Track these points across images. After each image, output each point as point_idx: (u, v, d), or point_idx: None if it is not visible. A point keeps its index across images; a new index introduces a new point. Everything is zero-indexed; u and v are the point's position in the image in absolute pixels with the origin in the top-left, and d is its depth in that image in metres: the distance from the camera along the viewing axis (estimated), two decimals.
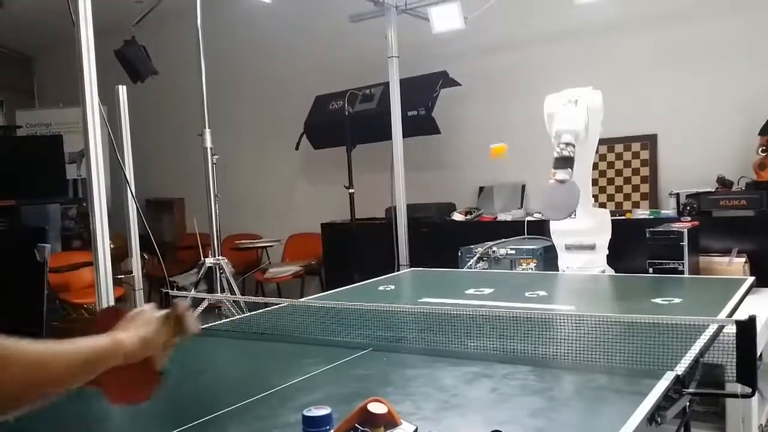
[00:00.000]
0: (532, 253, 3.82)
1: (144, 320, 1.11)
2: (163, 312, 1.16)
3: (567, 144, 3.05)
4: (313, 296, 3.04)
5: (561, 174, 2.99)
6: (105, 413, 1.56)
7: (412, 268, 4.23)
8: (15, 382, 0.84)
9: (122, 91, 3.57)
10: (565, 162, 3.01)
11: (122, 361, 1.03)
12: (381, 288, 2.93)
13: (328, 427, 1.06)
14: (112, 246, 2.75)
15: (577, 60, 4.85)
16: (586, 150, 3.36)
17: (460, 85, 5.22)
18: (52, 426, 1.39)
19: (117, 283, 3.20)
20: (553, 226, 3.55)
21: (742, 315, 1.51)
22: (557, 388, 1.49)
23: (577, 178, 3.11)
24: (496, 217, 4.87)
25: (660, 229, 3.49)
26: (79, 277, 5.57)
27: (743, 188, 4.09)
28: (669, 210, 4.25)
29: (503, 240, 4.11)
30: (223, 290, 4.06)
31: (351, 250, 4.99)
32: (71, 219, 7.13)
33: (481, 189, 5.34)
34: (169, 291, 2.25)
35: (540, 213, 3.20)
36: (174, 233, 7.28)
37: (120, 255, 3.56)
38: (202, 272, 4.08)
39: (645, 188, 4.69)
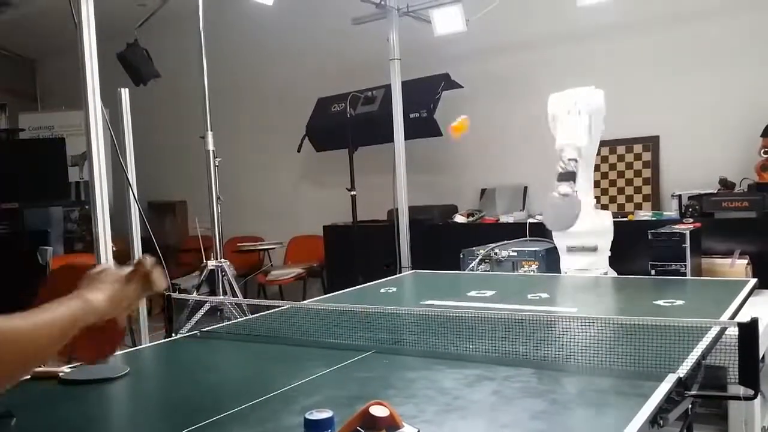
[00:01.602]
0: (534, 255, 3.82)
1: (110, 279, 1.09)
2: (129, 269, 1.13)
3: (570, 159, 3.17)
4: (315, 299, 3.04)
5: (564, 188, 3.13)
6: (105, 414, 1.56)
7: (414, 271, 4.23)
8: (10, 360, 0.84)
9: (125, 93, 3.57)
10: (568, 176, 3.14)
11: (93, 321, 1.01)
12: (383, 290, 2.93)
13: (330, 430, 1.07)
14: (114, 248, 2.76)
15: (579, 62, 4.85)
16: (588, 151, 3.40)
17: (462, 87, 5.22)
18: (52, 427, 1.39)
19: None
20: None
21: (744, 317, 1.51)
22: (559, 390, 1.49)
23: (578, 179, 3.22)
24: (498, 219, 4.87)
25: (662, 231, 3.49)
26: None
27: (745, 190, 4.09)
28: (671, 212, 4.25)
29: (505, 242, 4.10)
30: (225, 293, 4.06)
31: (353, 252, 4.99)
32: (74, 222, 7.14)
33: (483, 191, 5.34)
34: (171, 294, 2.25)
35: (542, 220, 3.32)
36: (176, 236, 7.29)
37: (122, 257, 3.56)
38: (204, 275, 4.08)
39: (647, 190, 4.69)
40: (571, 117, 3.26)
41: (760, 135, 4.06)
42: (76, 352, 1.11)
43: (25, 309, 0.96)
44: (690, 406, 1.54)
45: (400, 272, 4.55)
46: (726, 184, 4.13)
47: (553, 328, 1.98)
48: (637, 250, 3.55)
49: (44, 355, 0.94)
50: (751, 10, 4.31)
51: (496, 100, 5.28)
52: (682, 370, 1.46)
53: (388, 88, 5.05)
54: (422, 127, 5.12)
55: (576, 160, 3.19)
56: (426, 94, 5.15)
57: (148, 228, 3.62)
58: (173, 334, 2.20)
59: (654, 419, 1.28)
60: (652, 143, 4.68)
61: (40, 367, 0.96)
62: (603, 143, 3.77)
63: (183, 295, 2.84)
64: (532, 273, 3.76)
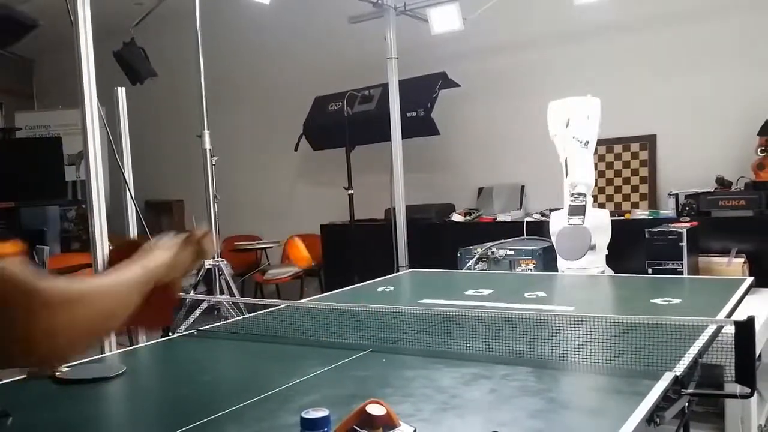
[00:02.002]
0: (532, 254, 3.82)
1: (165, 246, 1.16)
2: (183, 237, 1.20)
3: (580, 194, 3.44)
4: (312, 297, 3.03)
5: (575, 220, 3.39)
6: (102, 413, 1.56)
7: (411, 269, 4.23)
8: (87, 321, 0.87)
9: (121, 92, 3.57)
10: (578, 210, 3.40)
11: (152, 286, 1.06)
12: (380, 289, 2.93)
13: (326, 429, 1.06)
14: (110, 248, 2.75)
15: (576, 61, 4.86)
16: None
17: (460, 86, 5.22)
18: (48, 426, 1.39)
19: None
20: (553, 227, 3.56)
21: (741, 315, 1.51)
22: (556, 389, 1.49)
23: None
24: (496, 218, 4.87)
25: (659, 230, 3.50)
26: None
27: (742, 188, 4.10)
28: (668, 210, 4.26)
29: (502, 241, 4.11)
30: (222, 292, 4.06)
31: (350, 251, 4.99)
32: (70, 221, 7.13)
33: (481, 190, 5.35)
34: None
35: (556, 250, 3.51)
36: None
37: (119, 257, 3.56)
38: (201, 274, 4.08)
39: (644, 189, 4.69)
40: (580, 154, 3.50)
41: (756, 134, 4.07)
42: (136, 320, 1.12)
43: None
44: (687, 404, 1.54)
45: (398, 271, 4.55)
46: (723, 183, 4.14)
47: (550, 327, 1.98)
48: (634, 248, 3.56)
49: (118, 318, 0.95)
50: (749, 10, 4.31)
51: (493, 98, 5.28)
52: (679, 369, 1.46)
53: (385, 87, 5.05)
54: (419, 126, 5.13)
55: (585, 195, 3.45)
56: (423, 93, 5.15)
57: (145, 227, 3.62)
58: (170, 333, 2.20)
59: (651, 417, 1.28)
60: (649, 142, 4.68)
61: (111, 333, 0.93)
62: (600, 142, 3.79)
63: (180, 294, 2.83)
64: (529, 272, 3.77)
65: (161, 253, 1.13)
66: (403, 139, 5.03)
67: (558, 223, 3.50)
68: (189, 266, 1.20)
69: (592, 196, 3.68)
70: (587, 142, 3.50)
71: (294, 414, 1.24)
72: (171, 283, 1.16)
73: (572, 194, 3.48)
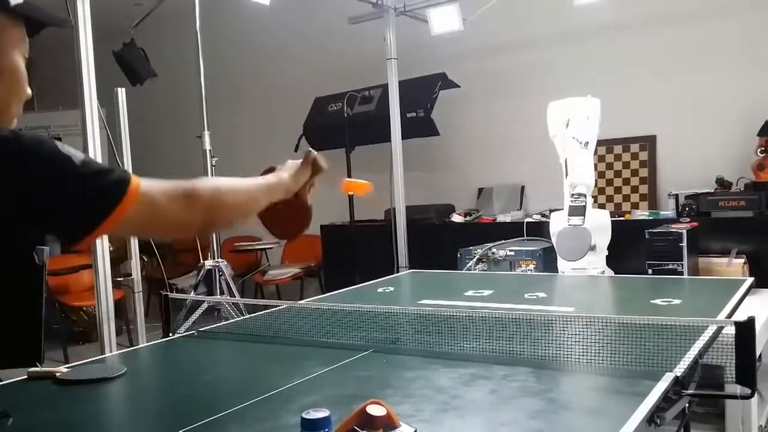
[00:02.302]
0: (532, 255, 3.82)
1: (289, 165, 1.51)
2: (302, 159, 1.54)
3: (580, 194, 3.43)
4: (312, 298, 3.04)
5: (575, 220, 3.38)
6: (102, 414, 1.56)
7: (411, 270, 4.23)
8: (231, 205, 1.27)
9: (121, 93, 3.57)
10: (578, 210, 3.39)
11: (283, 195, 1.44)
12: (380, 290, 2.93)
13: (327, 430, 1.06)
14: (111, 248, 2.75)
15: (575, 61, 4.86)
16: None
17: (459, 86, 5.22)
18: (48, 426, 1.39)
19: (116, 285, 3.20)
20: (553, 228, 3.56)
21: (741, 316, 1.51)
22: (556, 389, 1.49)
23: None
24: (496, 219, 4.87)
25: (659, 230, 3.50)
26: (78, 280, 5.57)
27: (742, 189, 4.10)
28: (668, 211, 4.26)
29: (502, 241, 4.11)
30: (222, 292, 4.06)
31: (350, 252, 4.99)
32: None
33: (480, 190, 5.35)
34: (168, 294, 2.25)
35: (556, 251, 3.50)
36: None
37: (119, 257, 3.55)
38: (201, 275, 4.08)
39: (644, 189, 4.69)
40: (580, 155, 3.48)
41: (756, 134, 4.07)
42: (277, 226, 1.53)
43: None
44: (687, 405, 1.54)
45: (398, 272, 4.55)
46: (723, 184, 4.14)
47: (550, 328, 1.98)
48: (634, 249, 3.56)
49: (255, 206, 1.35)
50: (749, 10, 4.31)
51: (493, 99, 5.28)
52: (680, 369, 1.46)
53: (385, 88, 5.05)
54: (419, 126, 5.13)
55: (585, 195, 3.44)
56: (423, 94, 5.15)
57: None
58: (170, 334, 2.20)
59: (651, 418, 1.28)
60: (649, 143, 4.68)
61: (248, 218, 1.34)
62: (600, 142, 3.79)
63: (180, 295, 2.84)
64: (529, 272, 3.76)
65: (283, 172, 1.48)
66: (403, 139, 5.03)
67: (558, 223, 3.50)
68: (308, 180, 1.55)
69: (592, 196, 3.68)
70: (587, 142, 3.50)
71: (295, 414, 1.24)
72: (298, 196, 1.51)
73: (572, 195, 3.47)
